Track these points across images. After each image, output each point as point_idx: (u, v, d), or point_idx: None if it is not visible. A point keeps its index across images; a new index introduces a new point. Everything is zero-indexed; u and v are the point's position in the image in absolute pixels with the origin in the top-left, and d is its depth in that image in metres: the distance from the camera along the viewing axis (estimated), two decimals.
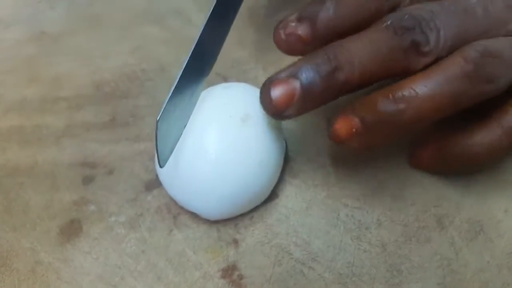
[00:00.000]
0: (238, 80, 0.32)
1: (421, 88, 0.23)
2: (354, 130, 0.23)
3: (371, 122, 0.23)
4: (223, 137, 0.25)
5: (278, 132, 0.27)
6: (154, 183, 0.29)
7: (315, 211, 0.27)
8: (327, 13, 0.25)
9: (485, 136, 0.25)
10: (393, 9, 0.26)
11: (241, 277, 0.25)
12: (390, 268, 0.25)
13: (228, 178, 0.25)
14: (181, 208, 0.27)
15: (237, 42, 0.35)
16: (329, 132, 0.24)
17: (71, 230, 0.27)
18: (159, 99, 0.33)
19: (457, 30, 0.24)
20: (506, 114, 0.25)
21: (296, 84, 0.23)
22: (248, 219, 0.27)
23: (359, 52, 0.23)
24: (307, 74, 0.23)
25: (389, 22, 0.24)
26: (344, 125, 0.24)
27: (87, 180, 0.29)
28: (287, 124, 0.30)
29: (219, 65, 0.35)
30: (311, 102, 0.24)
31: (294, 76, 0.23)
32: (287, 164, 0.29)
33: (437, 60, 0.24)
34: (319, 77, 0.23)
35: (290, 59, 0.35)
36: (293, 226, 0.27)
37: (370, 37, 0.24)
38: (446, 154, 0.26)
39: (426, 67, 0.24)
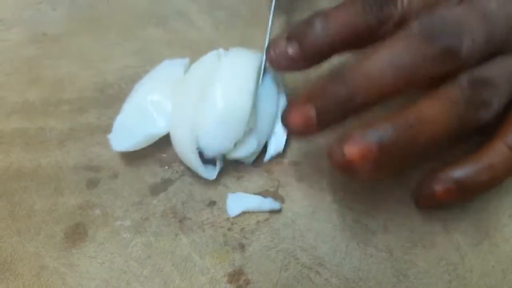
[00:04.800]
0: None
1: (429, 111, 0.23)
2: (369, 153, 0.22)
3: (388, 145, 0.22)
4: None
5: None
6: (159, 187, 0.28)
7: (321, 216, 0.27)
8: (315, 32, 0.25)
9: (494, 157, 0.25)
10: (383, 24, 0.25)
11: (247, 282, 0.25)
12: (397, 273, 0.26)
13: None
14: (187, 212, 0.27)
15: (240, 44, 0.35)
16: (336, 157, 0.23)
17: (76, 234, 0.27)
18: None
19: (487, 31, 0.23)
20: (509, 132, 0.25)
21: (311, 110, 0.24)
22: (254, 224, 0.27)
23: (380, 69, 0.23)
24: (323, 100, 0.24)
25: (415, 25, 0.23)
26: (356, 149, 0.22)
27: (92, 184, 0.29)
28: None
29: None
30: (328, 124, 0.24)
31: (309, 100, 0.24)
32: (294, 167, 0.29)
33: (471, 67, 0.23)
34: (335, 101, 0.23)
35: None
36: (299, 231, 0.27)
37: (394, 48, 0.23)
38: (462, 185, 0.25)
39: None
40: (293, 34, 0.26)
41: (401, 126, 0.22)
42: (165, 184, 0.29)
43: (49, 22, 0.38)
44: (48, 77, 0.34)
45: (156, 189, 0.28)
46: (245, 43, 0.35)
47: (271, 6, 0.31)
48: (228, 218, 0.27)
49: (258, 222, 0.27)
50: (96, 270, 0.26)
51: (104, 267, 0.26)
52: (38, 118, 0.32)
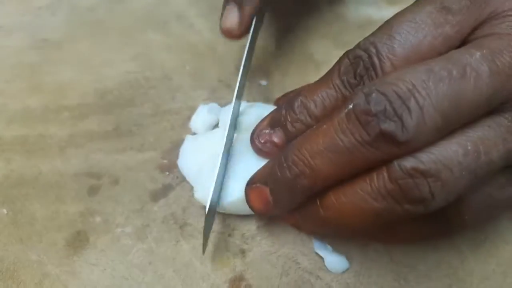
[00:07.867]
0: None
1: (340, 199, 0.21)
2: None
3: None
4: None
5: None
6: (160, 193, 0.29)
7: None
8: (297, 117, 0.25)
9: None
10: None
11: (248, 287, 0.25)
12: (397, 277, 0.26)
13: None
14: (187, 218, 0.28)
15: (241, 49, 0.35)
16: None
17: (78, 241, 0.27)
18: (163, 107, 0.33)
19: (449, 104, 0.19)
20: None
21: (267, 191, 0.24)
22: (255, 229, 0.27)
23: (317, 153, 0.21)
24: (274, 183, 0.24)
25: (350, 106, 0.20)
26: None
27: (93, 191, 0.29)
28: None
29: (223, 72, 0.35)
30: (283, 205, 0.24)
31: (264, 183, 0.24)
32: None
33: (417, 149, 0.20)
34: (284, 184, 0.23)
35: (294, 64, 0.35)
36: (299, 235, 0.27)
37: (329, 131, 0.21)
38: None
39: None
40: (276, 122, 0.25)
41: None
42: (166, 190, 0.29)
43: (49, 27, 0.39)
44: (49, 84, 0.34)
45: (157, 195, 0.29)
46: (245, 47, 0.35)
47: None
48: (228, 224, 0.27)
49: (258, 227, 0.27)
50: (98, 277, 0.26)
51: (106, 274, 0.26)
52: (39, 125, 0.32)
